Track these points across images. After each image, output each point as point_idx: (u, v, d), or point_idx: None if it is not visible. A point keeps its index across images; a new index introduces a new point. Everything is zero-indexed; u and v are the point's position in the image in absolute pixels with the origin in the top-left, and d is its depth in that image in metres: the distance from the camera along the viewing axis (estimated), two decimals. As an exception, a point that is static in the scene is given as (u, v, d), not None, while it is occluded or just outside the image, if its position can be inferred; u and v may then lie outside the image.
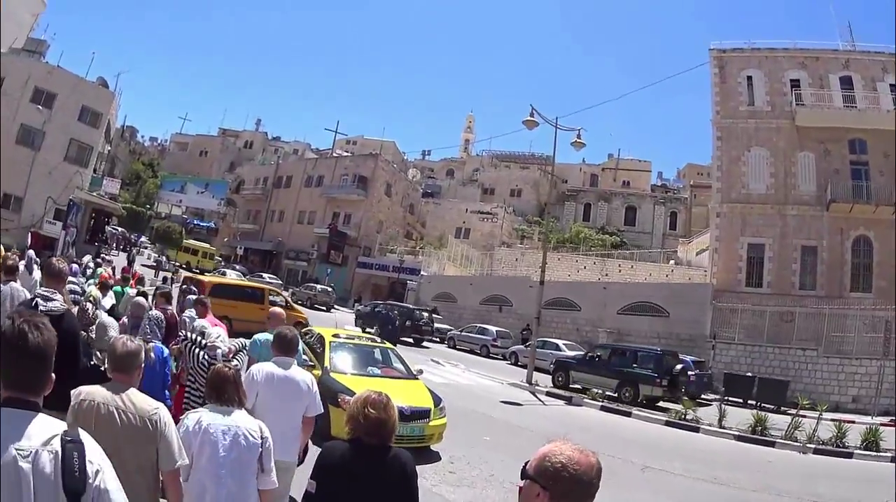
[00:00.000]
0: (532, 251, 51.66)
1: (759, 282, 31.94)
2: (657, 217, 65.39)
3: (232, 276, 44.25)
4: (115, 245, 53.85)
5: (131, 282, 16.63)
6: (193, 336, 6.36)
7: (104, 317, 6.67)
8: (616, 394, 19.39)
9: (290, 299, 28.03)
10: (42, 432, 1.75)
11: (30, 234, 34.50)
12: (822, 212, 30.90)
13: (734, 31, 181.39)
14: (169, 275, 34.76)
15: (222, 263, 55.94)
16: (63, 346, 2.91)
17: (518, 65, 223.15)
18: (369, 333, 18.39)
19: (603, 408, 17.71)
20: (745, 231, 32.78)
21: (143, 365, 3.38)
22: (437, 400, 9.84)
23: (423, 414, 9.17)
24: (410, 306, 36.63)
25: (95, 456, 1.85)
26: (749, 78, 34.40)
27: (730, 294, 30.99)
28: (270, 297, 22.71)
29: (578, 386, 20.14)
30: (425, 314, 32.72)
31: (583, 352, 24.49)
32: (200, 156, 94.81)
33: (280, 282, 44.95)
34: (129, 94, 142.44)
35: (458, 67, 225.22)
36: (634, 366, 19.85)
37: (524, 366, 25.89)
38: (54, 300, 4.41)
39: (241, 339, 6.72)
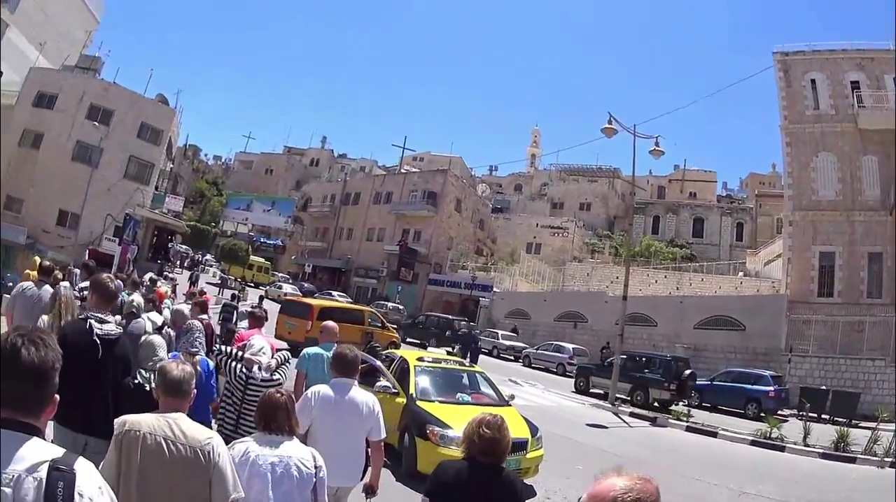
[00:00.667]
0: (603, 265, 53.57)
1: (829, 292, 32.00)
2: (724, 228, 66.16)
3: (287, 290, 47.27)
4: (178, 263, 56.67)
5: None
6: (230, 349, 6.20)
7: (153, 335, 6.46)
8: (629, 398, 22.40)
9: (384, 319, 29.24)
10: (31, 457, 1.74)
11: (87, 251, 35.75)
12: (887, 216, 31.00)
13: (780, 35, 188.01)
14: (236, 292, 36.20)
15: (277, 276, 59.63)
16: (116, 372, 3.82)
17: (580, 77, 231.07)
18: (452, 354, 18.41)
19: (689, 429, 18.00)
20: (817, 239, 32.90)
21: (194, 390, 3.38)
22: (533, 430, 9.44)
23: (519, 445, 8.67)
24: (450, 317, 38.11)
25: (88, 489, 1.83)
26: (812, 81, 34.58)
27: (803, 305, 31.18)
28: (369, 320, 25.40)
29: (623, 396, 21.96)
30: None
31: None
32: (266, 174, 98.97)
33: (350, 299, 46.69)
34: (191, 112, 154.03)
35: (521, 81, 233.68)
36: (646, 371, 23.39)
37: (597, 385, 27.92)
38: (109, 322, 4.41)
39: (285, 352, 6.47)
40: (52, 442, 2.01)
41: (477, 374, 11.50)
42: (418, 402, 9.30)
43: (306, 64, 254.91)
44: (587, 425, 16.69)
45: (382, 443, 5.01)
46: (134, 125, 44.76)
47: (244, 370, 5.71)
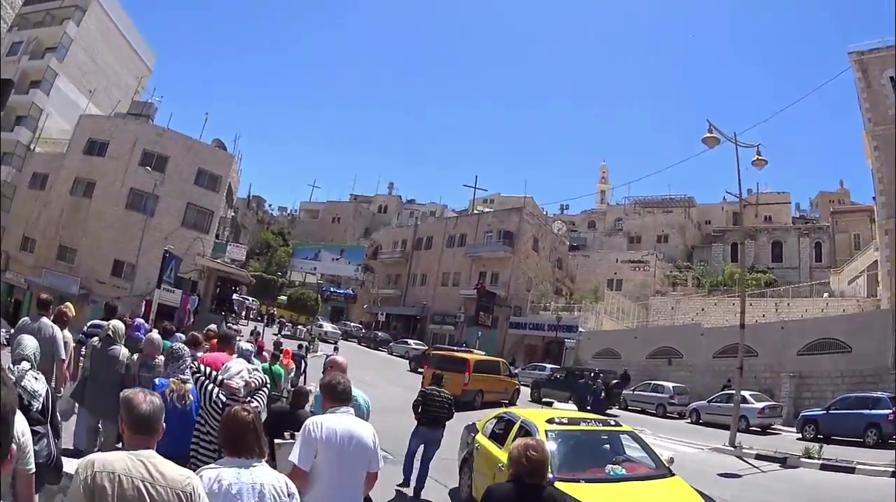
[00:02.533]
0: (686, 297, 56.20)
1: (935, 300, 32.80)
2: (802, 250, 69.18)
3: (328, 328, 53.71)
4: (243, 314, 60.12)
5: (282, 359, 17.47)
6: (206, 369, 6.18)
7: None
8: (569, 403, 29.51)
9: (511, 368, 34.03)
10: None
11: (144, 302, 37.85)
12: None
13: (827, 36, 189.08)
14: (305, 343, 37.66)
15: (318, 317, 63.59)
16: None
17: (642, 107, 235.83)
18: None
19: (823, 467, 17.81)
20: (914, 247, 33.91)
21: (164, 425, 3.40)
22: None
23: None
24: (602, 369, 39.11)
25: (196, 483, 2.61)
26: (892, 79, 35.08)
27: (908, 318, 32.54)
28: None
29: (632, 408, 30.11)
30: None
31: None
32: (333, 222, 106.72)
33: (426, 346, 49.40)
34: (252, 163, 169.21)
35: (586, 119, 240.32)
36: (580, 381, 30.33)
37: (708, 425, 28.87)
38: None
39: (261, 376, 6.58)
40: None
41: (625, 435, 9.72)
42: (558, 484, 7.36)
43: (369, 109, 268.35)
44: (719, 475, 16.31)
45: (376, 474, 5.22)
46: (190, 171, 48.19)
47: (220, 396, 5.73)
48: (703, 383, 36.73)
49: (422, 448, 11.76)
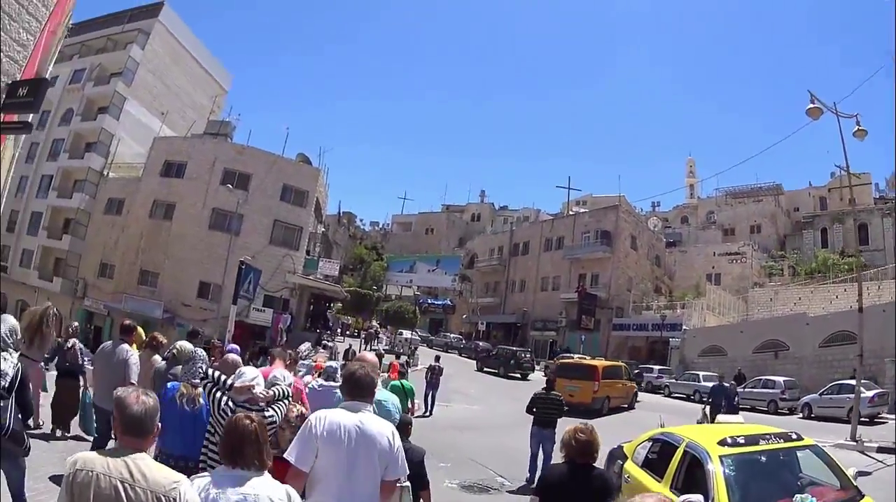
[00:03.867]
0: (784, 288, 57.52)
1: None
2: (886, 230, 70.56)
3: (407, 336, 57.39)
4: (338, 330, 62.95)
5: (390, 374, 17.52)
6: (217, 375, 6.46)
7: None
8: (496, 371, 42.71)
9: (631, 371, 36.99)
10: None
11: (232, 324, 38.51)
12: None
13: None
14: (405, 357, 39.70)
15: (416, 331, 67.73)
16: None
17: (728, 97, 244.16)
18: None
19: None
20: None
21: (158, 426, 3.61)
22: None
23: None
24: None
25: (186, 488, 2.96)
26: None
27: None
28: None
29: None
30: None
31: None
32: (426, 234, 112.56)
33: (531, 353, 51.80)
34: (340, 177, 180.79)
35: (671, 112, 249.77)
36: (713, 384, 28.82)
37: (821, 419, 29.47)
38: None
39: (283, 387, 6.69)
40: None
41: (804, 451, 8.35)
42: None
43: (453, 118, 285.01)
44: (858, 474, 14.39)
45: (396, 484, 5.11)
46: (275, 188, 50.43)
47: (230, 403, 5.96)
48: (810, 375, 37.91)
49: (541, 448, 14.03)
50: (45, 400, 12.28)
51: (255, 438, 3.86)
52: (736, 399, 26.97)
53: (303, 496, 4.42)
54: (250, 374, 6.47)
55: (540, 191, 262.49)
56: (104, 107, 57.43)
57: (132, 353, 9.87)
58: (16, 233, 58.88)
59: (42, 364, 11.88)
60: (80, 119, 58.25)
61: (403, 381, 16.35)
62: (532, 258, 75.16)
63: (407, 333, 60.14)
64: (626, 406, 32.01)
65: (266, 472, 3.87)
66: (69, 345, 13.02)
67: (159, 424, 3.67)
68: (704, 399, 30.85)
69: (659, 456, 8.94)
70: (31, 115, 12.38)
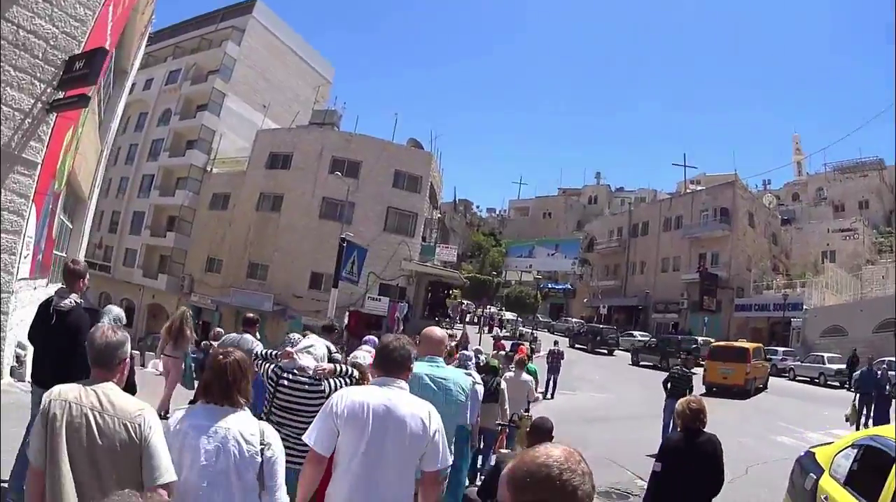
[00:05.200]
0: None
1: None
2: None
3: (508, 316, 60.87)
4: (457, 317, 65.21)
5: (518, 353, 20.02)
6: (270, 352, 6.97)
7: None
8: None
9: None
10: None
11: (348, 314, 41.65)
12: None
13: None
14: (527, 342, 41.99)
15: (537, 316, 72.08)
16: (65, 338, 6.61)
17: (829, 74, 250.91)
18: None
19: None
20: None
21: (126, 359, 4.11)
22: None
23: None
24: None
25: (152, 419, 3.61)
26: None
27: None
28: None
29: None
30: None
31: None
32: (544, 218, 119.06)
33: (651, 338, 54.10)
34: (455, 168, 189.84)
35: (775, 88, 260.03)
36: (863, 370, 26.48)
37: None
38: (66, 298, 7.09)
39: (347, 366, 7.07)
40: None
41: None
42: None
43: (568, 99, 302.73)
44: None
45: (440, 476, 4.86)
46: (387, 174, 52.80)
47: (276, 370, 6.44)
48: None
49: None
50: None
51: (224, 374, 4.17)
52: (889, 389, 24.40)
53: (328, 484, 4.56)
54: (305, 343, 6.90)
55: (653, 172, 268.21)
56: (203, 104, 61.67)
57: (257, 344, 11.02)
58: (118, 233, 63.19)
59: (184, 360, 13.87)
60: (178, 118, 62.50)
61: (529, 364, 17.82)
62: (651, 238, 78.31)
63: (639, 334, 61.70)
64: (761, 386, 34.33)
65: (242, 410, 4.20)
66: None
67: (127, 359, 4.21)
68: (850, 389, 30.12)
69: (868, 469, 7.12)
70: (91, 89, 12.95)
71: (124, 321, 7.92)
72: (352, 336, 37.39)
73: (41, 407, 3.82)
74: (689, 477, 7.02)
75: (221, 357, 4.31)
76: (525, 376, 15.37)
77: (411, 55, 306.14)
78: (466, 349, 16.64)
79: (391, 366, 4.83)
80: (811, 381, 40.21)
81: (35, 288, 15.71)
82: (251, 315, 12.43)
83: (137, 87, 64.78)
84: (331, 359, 7.34)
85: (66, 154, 15.85)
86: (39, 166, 12.82)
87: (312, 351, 6.72)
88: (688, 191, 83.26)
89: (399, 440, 4.51)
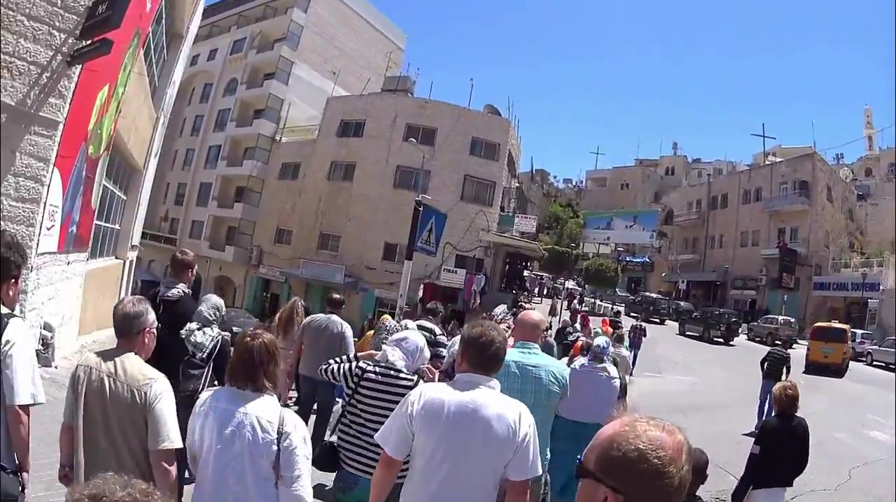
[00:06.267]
0: None
1: None
2: None
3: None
4: (535, 291, 64.43)
5: (602, 326, 19.98)
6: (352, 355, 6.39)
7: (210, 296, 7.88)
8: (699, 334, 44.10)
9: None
10: None
11: (422, 286, 41.45)
12: None
13: None
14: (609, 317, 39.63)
15: (616, 290, 72.04)
16: (171, 327, 6.31)
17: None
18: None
19: None
20: None
21: (146, 329, 4.35)
22: None
23: None
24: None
25: (12, 333, 3.81)
26: None
27: None
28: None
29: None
30: None
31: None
32: (621, 189, 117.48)
33: (737, 316, 52.18)
34: (532, 136, 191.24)
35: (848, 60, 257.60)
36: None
37: None
38: (174, 288, 7.25)
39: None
40: None
41: None
42: None
43: (644, 65, 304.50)
44: None
45: (531, 486, 4.25)
46: (463, 142, 50.95)
47: (360, 366, 5.60)
48: None
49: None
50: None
51: (250, 357, 4.06)
52: None
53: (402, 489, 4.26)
54: (398, 336, 6.13)
55: (730, 142, 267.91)
56: (270, 73, 60.85)
57: (347, 327, 11.05)
58: (184, 205, 63.32)
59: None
60: (245, 87, 62.12)
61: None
62: (731, 212, 75.85)
63: (571, 283, 60.48)
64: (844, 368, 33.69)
65: (267, 394, 4.05)
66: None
67: (152, 331, 4.46)
68: None
69: None
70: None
71: (223, 310, 7.62)
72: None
73: (73, 371, 4.12)
74: (783, 459, 7.65)
75: (249, 339, 4.17)
76: (623, 351, 15.64)
77: (485, 17, 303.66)
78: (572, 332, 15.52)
79: (484, 361, 4.28)
80: (885, 367, 38.77)
81: (69, 262, 14.58)
82: (337, 296, 12.14)
83: (201, 59, 66.92)
84: (435, 344, 7.23)
85: (102, 116, 14.60)
86: (61, 125, 11.60)
87: (405, 344, 5.86)
88: (767, 163, 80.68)
89: (481, 444, 4.02)
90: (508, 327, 10.44)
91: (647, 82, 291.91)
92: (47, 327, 12.57)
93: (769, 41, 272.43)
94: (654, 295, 60.50)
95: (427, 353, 6.05)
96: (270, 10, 64.98)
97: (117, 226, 22.95)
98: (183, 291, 7.35)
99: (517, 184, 65.60)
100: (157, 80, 24.20)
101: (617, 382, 9.38)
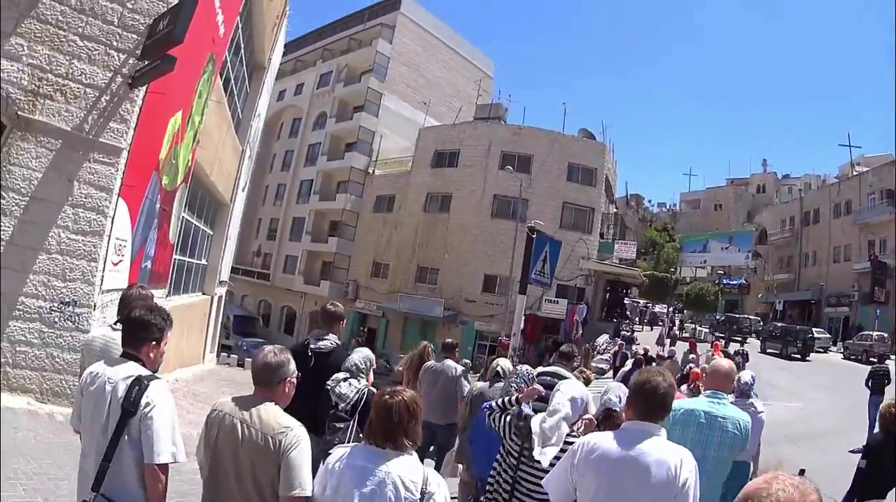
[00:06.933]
0: None
1: None
2: None
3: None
4: (636, 319, 63.30)
5: (713, 349, 19.52)
6: (501, 401, 6.21)
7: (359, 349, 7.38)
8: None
9: None
10: (126, 371, 3.94)
11: (523, 318, 36.13)
12: None
13: None
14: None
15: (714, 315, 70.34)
16: (321, 378, 6.72)
17: None
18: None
19: None
20: None
21: (287, 379, 4.33)
22: None
23: None
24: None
25: (153, 395, 3.90)
26: None
27: None
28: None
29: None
30: None
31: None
32: (715, 210, 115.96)
33: (828, 335, 51.22)
34: (623, 160, 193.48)
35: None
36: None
37: None
38: (325, 340, 7.35)
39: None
40: None
41: None
42: None
43: (733, 86, 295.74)
44: None
45: None
46: (560, 168, 49.87)
47: (515, 437, 5.59)
48: None
49: None
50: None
51: (389, 415, 3.89)
52: None
53: None
54: (562, 395, 5.73)
55: (817, 154, 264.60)
56: (359, 105, 60.62)
57: (462, 370, 10.98)
58: (277, 240, 63.26)
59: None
60: (334, 121, 61.96)
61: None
62: (822, 227, 72.74)
63: (816, 331, 54.10)
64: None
65: (407, 454, 3.88)
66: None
67: (292, 381, 4.38)
68: None
69: None
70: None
71: (373, 362, 7.42)
72: (528, 342, 37.17)
73: (207, 415, 4.22)
74: (888, 474, 7.36)
75: (388, 396, 3.97)
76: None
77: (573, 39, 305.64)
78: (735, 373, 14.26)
79: (649, 409, 4.09)
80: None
81: (143, 300, 13.10)
82: (450, 340, 11.82)
83: (288, 93, 67.32)
84: None
85: (176, 145, 13.94)
86: (125, 153, 10.89)
87: (575, 402, 5.70)
88: (854, 173, 77.29)
89: (642, 490, 3.82)
90: (613, 355, 10.89)
91: (736, 97, 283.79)
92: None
93: (849, 45, 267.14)
94: (737, 315, 58.47)
95: (591, 407, 5.83)
96: (355, 43, 64.98)
97: (204, 262, 22.12)
98: (335, 343, 7.42)
99: (615, 210, 64.08)
100: (240, 112, 23.43)
101: (763, 416, 8.99)
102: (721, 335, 53.88)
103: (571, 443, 4.77)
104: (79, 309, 10.51)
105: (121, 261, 11.48)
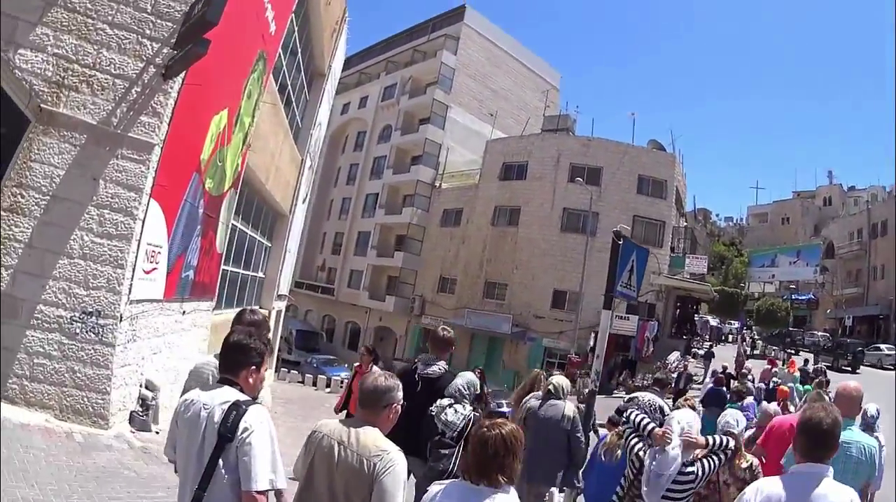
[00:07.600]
0: None
1: None
2: None
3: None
4: (707, 336, 61.81)
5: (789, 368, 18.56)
6: (638, 419, 6.45)
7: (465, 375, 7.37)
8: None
9: None
10: (223, 397, 3.90)
11: (593, 335, 39.00)
12: None
13: None
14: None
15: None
16: (427, 403, 7.07)
17: None
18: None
19: None
20: None
21: (393, 405, 4.35)
22: None
23: None
24: None
25: (251, 420, 3.85)
26: None
27: None
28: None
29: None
30: None
31: None
32: (782, 224, 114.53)
33: (862, 345, 49.81)
34: (692, 173, 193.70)
35: None
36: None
37: None
38: (433, 366, 7.51)
39: (721, 438, 6.11)
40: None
41: None
42: None
43: (797, 92, 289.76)
44: None
45: None
46: (630, 180, 49.06)
47: (637, 459, 6.04)
48: None
49: None
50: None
51: (483, 450, 3.76)
52: None
53: None
54: (684, 419, 6.07)
55: (881, 164, 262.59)
56: (425, 118, 60.24)
57: (570, 407, 9.74)
58: (342, 255, 62.99)
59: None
60: (400, 133, 61.54)
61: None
62: (891, 239, 71.23)
63: (886, 347, 54.27)
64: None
65: (503, 492, 3.74)
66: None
67: (398, 408, 4.41)
68: None
69: None
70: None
71: (477, 389, 7.53)
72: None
73: (308, 435, 4.35)
74: None
75: (486, 429, 3.85)
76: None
77: (643, 53, 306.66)
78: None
79: (812, 450, 4.06)
80: None
81: (185, 312, 12.92)
82: (445, 333, 9.18)
83: (352, 106, 67.28)
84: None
85: (222, 146, 13.09)
86: (158, 149, 10.03)
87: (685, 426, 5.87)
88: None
89: None
90: (677, 376, 9.98)
91: (800, 112, 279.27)
92: (149, 386, 11.02)
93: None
94: (792, 329, 59.91)
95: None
96: (419, 55, 64.55)
97: (261, 274, 21.26)
98: (443, 368, 7.51)
99: (685, 223, 62.97)
100: (299, 121, 22.80)
101: (885, 451, 8.25)
102: (775, 348, 55.70)
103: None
104: (103, 319, 9.60)
105: (154, 268, 10.66)
